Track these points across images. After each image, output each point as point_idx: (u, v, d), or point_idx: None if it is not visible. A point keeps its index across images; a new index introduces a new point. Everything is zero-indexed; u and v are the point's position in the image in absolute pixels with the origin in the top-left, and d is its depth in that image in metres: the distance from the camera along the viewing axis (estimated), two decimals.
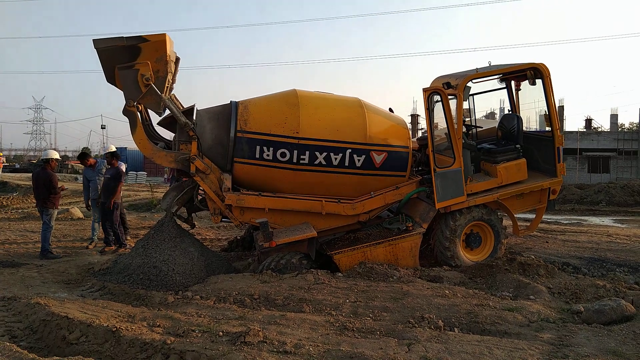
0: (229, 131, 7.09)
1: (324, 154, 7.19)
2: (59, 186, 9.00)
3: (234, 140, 7.07)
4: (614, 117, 37.40)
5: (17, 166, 50.39)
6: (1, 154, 46.81)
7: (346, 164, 7.30)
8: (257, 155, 7.13)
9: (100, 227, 9.74)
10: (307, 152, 7.14)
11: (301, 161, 7.15)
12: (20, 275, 7.27)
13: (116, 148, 10.67)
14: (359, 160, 7.33)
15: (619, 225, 13.41)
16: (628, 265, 7.54)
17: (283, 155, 7.11)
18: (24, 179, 28.28)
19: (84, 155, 10.61)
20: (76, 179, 32.89)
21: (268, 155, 7.12)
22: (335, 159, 7.25)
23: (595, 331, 4.69)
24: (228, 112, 7.26)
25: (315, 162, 7.20)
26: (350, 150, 7.27)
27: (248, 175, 7.29)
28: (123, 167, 10.56)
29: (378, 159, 7.44)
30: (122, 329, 4.59)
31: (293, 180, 7.25)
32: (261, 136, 7.10)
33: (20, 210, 15.64)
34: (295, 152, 7.10)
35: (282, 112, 7.20)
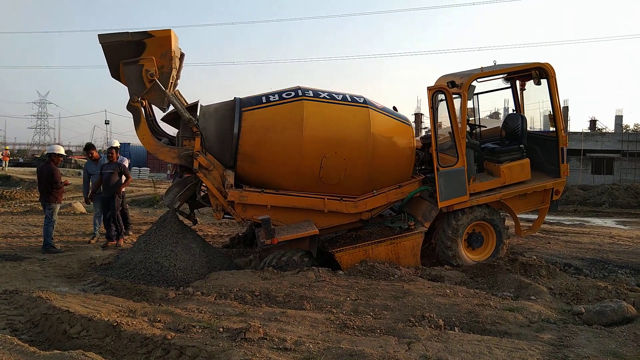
0: (232, 128, 7.09)
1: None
2: (62, 181, 9.03)
3: (238, 136, 7.07)
4: (618, 119, 37.29)
5: (21, 160, 50.60)
6: (7, 148, 47.06)
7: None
8: None
9: (102, 222, 9.75)
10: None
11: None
12: (22, 269, 7.31)
13: (120, 143, 10.69)
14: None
15: (622, 227, 13.37)
16: (630, 267, 7.52)
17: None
18: (27, 173, 28.41)
19: (89, 146, 10.53)
20: (79, 173, 32.97)
21: None
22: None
23: (596, 332, 4.67)
24: (232, 109, 7.25)
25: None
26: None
27: (251, 172, 7.29)
28: (126, 163, 10.51)
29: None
30: (122, 323, 4.60)
31: (297, 177, 7.24)
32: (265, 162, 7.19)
33: (23, 204, 15.69)
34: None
35: (286, 143, 7.11)
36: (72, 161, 48.61)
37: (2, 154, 38.29)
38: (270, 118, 7.16)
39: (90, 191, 9.69)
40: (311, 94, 7.37)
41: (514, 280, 6.46)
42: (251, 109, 7.21)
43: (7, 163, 37.91)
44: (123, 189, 9.47)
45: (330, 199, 7.32)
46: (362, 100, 7.61)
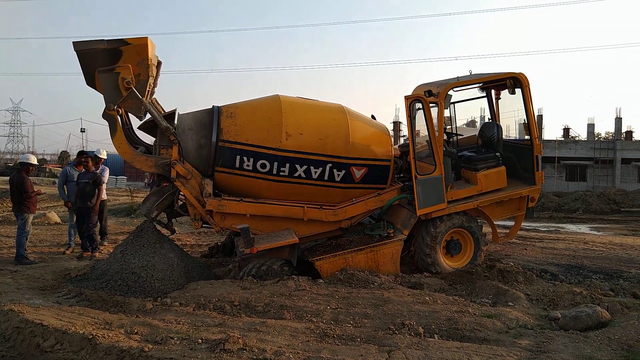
0: (210, 136, 7.05)
1: (304, 167, 7.22)
2: (34, 190, 8.83)
3: (216, 146, 7.03)
4: (590, 127, 38.24)
5: None
6: None
7: (325, 177, 7.36)
8: (237, 165, 7.13)
9: (77, 233, 9.55)
10: (287, 165, 7.15)
11: (281, 173, 7.17)
12: None
13: (90, 151, 10.50)
14: (338, 175, 7.40)
15: (596, 232, 13.68)
16: (604, 272, 7.68)
17: (263, 166, 7.12)
18: (0, 182, 27.69)
19: (82, 154, 10.04)
20: (54, 182, 32.30)
21: (248, 165, 7.12)
22: (315, 172, 7.29)
23: (572, 337, 4.76)
24: (210, 117, 7.22)
25: (295, 175, 7.23)
26: (330, 165, 7.31)
27: (228, 183, 7.30)
28: (106, 173, 10.34)
29: (358, 174, 7.51)
30: (98, 336, 4.50)
31: (274, 190, 7.27)
32: (242, 146, 7.08)
33: None
34: (276, 164, 7.11)
35: (265, 122, 7.19)
36: (47, 170, 47.61)
37: None
38: (248, 112, 7.30)
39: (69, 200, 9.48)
40: (287, 96, 7.59)
41: (492, 286, 6.54)
42: (228, 109, 7.34)
43: None
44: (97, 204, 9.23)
45: (310, 207, 7.31)
46: (340, 111, 7.66)
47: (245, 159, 7.09)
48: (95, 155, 10.29)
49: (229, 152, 7.09)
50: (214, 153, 7.04)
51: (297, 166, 7.18)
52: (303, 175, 7.24)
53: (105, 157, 10.31)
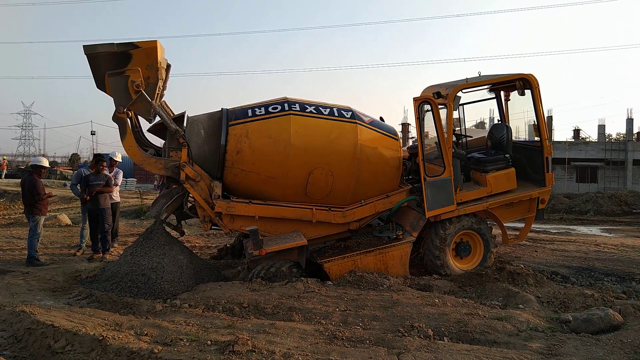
0: (219, 139, 7.08)
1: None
2: (45, 192, 8.91)
3: (224, 148, 7.05)
4: (601, 128, 37.88)
5: (5, 172, 49.84)
6: (5, 157, 46.96)
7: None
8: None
9: (90, 235, 9.63)
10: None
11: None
12: (5, 282, 7.16)
13: (105, 154, 10.61)
14: None
15: (607, 234, 13.54)
16: (616, 275, 7.60)
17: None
18: (11, 184, 28.00)
19: (99, 156, 10.01)
20: (65, 185, 32.58)
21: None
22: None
23: (584, 340, 4.70)
24: (219, 120, 7.24)
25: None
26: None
27: (238, 181, 7.28)
28: (120, 176, 10.46)
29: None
30: (108, 337, 4.52)
31: (285, 183, 7.24)
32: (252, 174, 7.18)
33: (7, 217, 15.45)
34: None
35: (273, 156, 7.12)
36: (58, 172, 48.01)
37: (1, 163, 38.61)
38: (258, 133, 7.13)
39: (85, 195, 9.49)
40: (298, 108, 7.33)
41: (502, 289, 6.49)
42: (238, 123, 7.17)
43: (4, 172, 38.26)
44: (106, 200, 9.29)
45: (319, 209, 7.32)
46: (349, 115, 7.58)
47: None
48: (111, 158, 10.40)
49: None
50: (222, 155, 7.07)
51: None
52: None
53: (120, 160, 10.44)
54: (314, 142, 7.23)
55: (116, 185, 10.14)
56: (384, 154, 7.64)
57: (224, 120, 7.16)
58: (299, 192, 7.31)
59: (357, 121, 7.52)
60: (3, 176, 36.20)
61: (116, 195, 10.33)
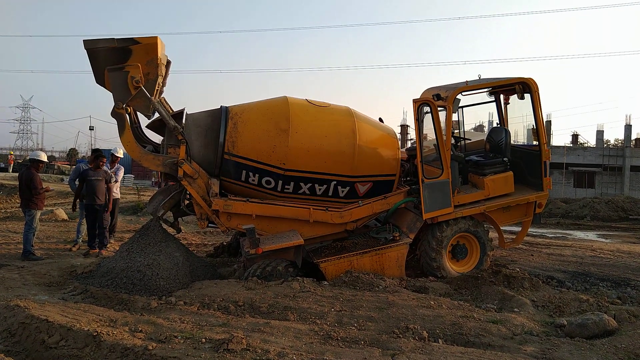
0: (218, 136, 7.07)
1: (309, 184, 7.31)
2: (42, 187, 8.88)
3: (223, 145, 7.05)
4: (599, 133, 37.93)
5: (2, 165, 49.73)
6: (12, 153, 47.25)
7: (330, 194, 7.46)
8: (243, 179, 7.24)
9: (85, 230, 9.61)
10: (292, 183, 7.25)
11: (285, 190, 7.29)
12: (0, 276, 7.14)
13: (103, 150, 10.58)
14: (342, 191, 7.50)
15: (603, 240, 13.57)
16: (611, 280, 7.62)
17: (268, 182, 7.23)
18: (8, 178, 27.91)
19: (97, 152, 10.02)
20: (62, 179, 32.49)
21: (253, 180, 7.22)
22: (320, 189, 7.40)
23: (578, 345, 4.71)
24: (218, 118, 7.23)
25: (299, 192, 7.36)
26: (335, 182, 7.39)
27: (234, 190, 7.40)
28: (121, 172, 10.44)
29: (362, 189, 7.60)
30: (103, 333, 4.52)
31: (279, 201, 7.35)
32: (248, 162, 7.12)
33: (3, 210, 15.40)
34: (280, 182, 7.20)
35: (271, 139, 7.12)
36: (55, 167, 47.91)
37: (9, 159, 38.94)
38: (257, 115, 7.27)
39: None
40: (295, 99, 7.51)
41: (498, 292, 6.50)
42: (235, 115, 7.27)
43: (11, 167, 38.67)
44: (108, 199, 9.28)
45: (316, 209, 7.32)
46: (348, 111, 7.66)
47: (250, 174, 7.18)
48: (112, 154, 10.37)
49: (235, 166, 7.14)
50: (220, 154, 7.06)
51: (302, 184, 7.30)
52: (307, 192, 7.38)
53: (122, 156, 10.39)
54: (312, 125, 7.33)
55: (116, 181, 10.12)
56: (382, 166, 7.65)
57: (222, 118, 7.15)
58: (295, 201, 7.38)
59: (355, 117, 7.60)
60: (10, 171, 36.52)
61: (116, 192, 10.31)
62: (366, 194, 7.61)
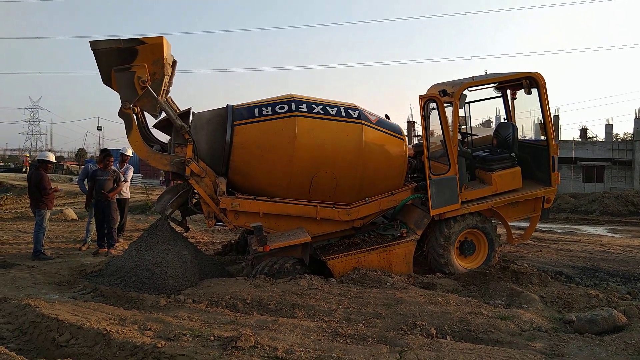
0: (224, 136, 7.08)
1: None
2: (51, 187, 8.96)
3: (230, 144, 7.06)
4: (609, 127, 37.64)
5: (12, 166, 50.21)
6: (28, 155, 48.12)
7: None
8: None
9: (95, 229, 9.68)
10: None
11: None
12: (11, 276, 7.22)
13: (111, 149, 10.64)
14: None
15: (613, 235, 13.46)
16: (621, 275, 7.56)
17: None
18: (18, 179, 28.19)
19: (105, 151, 10.05)
20: (71, 179, 32.74)
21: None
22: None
23: (587, 341, 4.69)
24: (224, 116, 7.25)
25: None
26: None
27: (242, 181, 7.32)
28: (130, 172, 10.50)
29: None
30: (112, 331, 4.55)
31: (288, 184, 7.24)
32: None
33: (14, 211, 15.55)
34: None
35: (275, 167, 7.14)
36: (64, 167, 48.31)
37: (24, 160, 39.56)
38: (263, 134, 7.10)
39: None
40: (305, 109, 7.23)
41: (506, 288, 6.48)
42: (243, 123, 7.13)
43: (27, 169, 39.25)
44: (114, 196, 9.35)
45: (323, 206, 7.32)
46: (356, 115, 7.47)
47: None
48: (122, 154, 10.44)
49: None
50: (228, 151, 7.08)
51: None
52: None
53: (131, 155, 10.42)
54: (318, 146, 7.18)
55: (125, 181, 10.18)
56: (389, 152, 7.61)
57: (229, 117, 7.16)
58: (303, 193, 7.34)
59: (363, 121, 7.43)
60: (24, 171, 37.23)
61: (126, 191, 10.39)
62: None
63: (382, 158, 7.52)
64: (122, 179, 9.89)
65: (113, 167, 9.59)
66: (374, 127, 7.59)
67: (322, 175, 7.23)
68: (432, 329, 4.92)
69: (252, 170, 7.17)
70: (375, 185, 7.59)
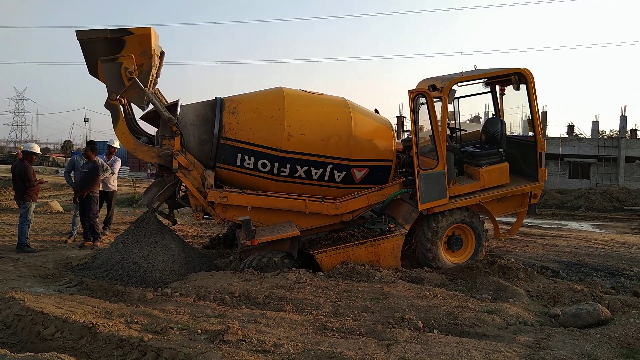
0: (213, 127, 7.04)
1: (305, 168, 7.23)
2: (36, 179, 8.84)
3: (218, 139, 7.02)
4: (595, 125, 38.09)
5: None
6: (22, 148, 47.54)
7: (326, 178, 7.39)
8: (238, 163, 7.15)
9: (80, 222, 9.59)
10: (288, 165, 7.16)
11: (281, 173, 7.20)
12: None
13: (97, 142, 10.51)
14: (339, 176, 7.42)
15: (598, 230, 13.64)
16: (605, 270, 7.66)
17: (264, 165, 7.14)
18: (3, 170, 27.80)
19: (93, 147, 9.82)
20: (57, 172, 32.37)
21: (249, 164, 7.14)
22: (316, 173, 7.31)
23: (572, 334, 4.75)
24: (213, 110, 7.20)
25: (295, 175, 7.26)
26: (331, 166, 7.32)
27: (229, 178, 7.33)
28: (118, 164, 10.38)
29: (358, 174, 7.54)
30: (98, 325, 4.52)
31: (273, 188, 7.31)
32: (244, 145, 7.08)
33: None
34: (277, 164, 7.12)
35: (268, 121, 7.12)
36: (50, 159, 47.75)
37: (18, 153, 38.58)
38: (251, 109, 7.23)
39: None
40: (291, 89, 7.50)
41: (493, 282, 6.53)
42: (231, 104, 7.25)
43: None
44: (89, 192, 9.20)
45: (312, 200, 7.31)
46: (341, 99, 7.65)
47: (246, 157, 7.10)
48: (109, 146, 10.31)
49: (230, 149, 7.09)
50: (215, 146, 7.03)
51: (298, 167, 7.21)
52: (303, 175, 7.28)
53: (118, 147, 10.27)
54: (308, 115, 7.31)
55: (113, 173, 10.08)
56: (378, 150, 7.63)
57: (217, 109, 7.12)
58: (289, 188, 7.33)
59: (350, 107, 7.59)
60: None
61: (113, 184, 10.29)
62: (362, 180, 7.57)
63: (371, 146, 7.59)
64: (109, 172, 9.80)
65: (101, 160, 9.49)
66: (361, 113, 7.75)
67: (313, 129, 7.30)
68: (420, 322, 4.95)
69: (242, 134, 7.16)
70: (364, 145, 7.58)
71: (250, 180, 7.26)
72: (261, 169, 7.15)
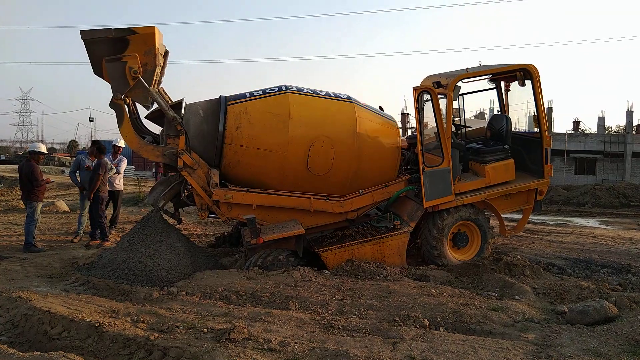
0: (217, 127, 7.04)
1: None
2: (43, 179, 8.89)
3: (222, 135, 7.02)
4: (601, 120, 37.84)
5: (3, 158, 49.85)
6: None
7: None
8: None
9: (87, 221, 9.63)
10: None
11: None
12: (2, 268, 7.16)
13: (103, 141, 10.56)
14: None
15: (604, 226, 13.57)
16: (612, 267, 7.61)
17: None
18: (9, 170, 27.96)
19: (101, 147, 9.71)
20: (63, 171, 32.52)
21: None
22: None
23: (579, 332, 4.72)
24: (217, 108, 7.20)
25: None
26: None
27: (237, 159, 7.24)
28: (123, 164, 10.42)
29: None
30: (105, 324, 4.53)
31: (283, 159, 7.17)
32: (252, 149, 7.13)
33: (4, 203, 15.41)
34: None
35: (273, 133, 7.09)
36: (56, 159, 48.00)
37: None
38: (256, 108, 7.18)
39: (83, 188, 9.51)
40: (295, 89, 7.42)
41: (499, 279, 6.51)
42: (236, 103, 7.21)
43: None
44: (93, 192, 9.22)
45: (317, 198, 7.31)
46: (346, 97, 7.65)
47: None
48: (114, 145, 10.36)
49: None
50: (220, 142, 7.03)
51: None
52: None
53: (123, 146, 10.31)
54: (313, 115, 7.28)
55: (118, 173, 10.12)
56: (383, 141, 7.61)
57: (222, 108, 7.12)
58: (299, 169, 7.20)
59: (355, 103, 7.57)
60: None
61: (119, 183, 10.34)
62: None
63: (376, 143, 7.57)
64: (114, 172, 9.84)
65: (105, 159, 9.52)
66: (366, 109, 7.70)
67: (319, 145, 7.19)
68: (425, 320, 4.94)
69: (248, 151, 7.12)
70: (369, 173, 7.59)
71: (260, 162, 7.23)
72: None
